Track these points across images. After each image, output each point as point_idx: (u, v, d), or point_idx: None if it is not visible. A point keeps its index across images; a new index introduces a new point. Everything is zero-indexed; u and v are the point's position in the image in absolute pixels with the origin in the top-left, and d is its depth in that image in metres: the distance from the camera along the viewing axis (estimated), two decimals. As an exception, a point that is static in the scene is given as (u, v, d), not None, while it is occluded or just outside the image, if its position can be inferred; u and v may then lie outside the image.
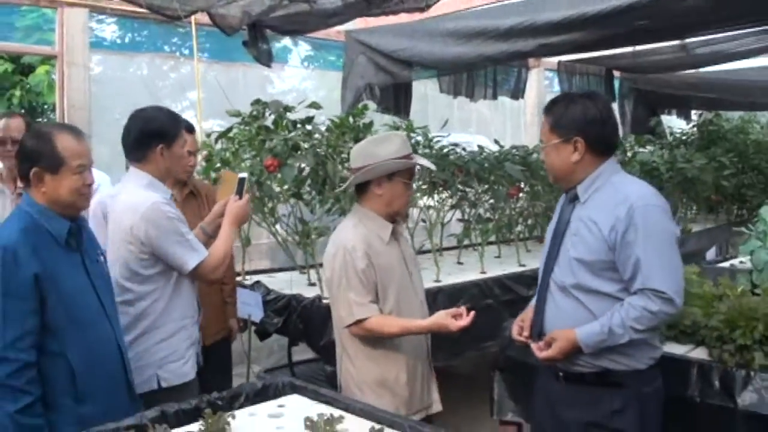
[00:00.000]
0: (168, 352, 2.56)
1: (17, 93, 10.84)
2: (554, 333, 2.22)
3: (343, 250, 2.47)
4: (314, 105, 4.22)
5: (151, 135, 2.60)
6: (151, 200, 2.52)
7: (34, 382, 2.04)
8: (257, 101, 3.99)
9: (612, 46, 5.52)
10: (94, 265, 2.28)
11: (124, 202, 2.57)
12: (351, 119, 4.16)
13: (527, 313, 2.43)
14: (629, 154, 5.72)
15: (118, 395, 2.16)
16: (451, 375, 4.93)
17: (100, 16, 5.00)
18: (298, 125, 3.95)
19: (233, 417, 1.85)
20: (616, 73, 7.81)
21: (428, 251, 4.73)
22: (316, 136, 3.94)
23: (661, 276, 2.10)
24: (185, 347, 2.62)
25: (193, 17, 4.61)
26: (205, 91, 5.51)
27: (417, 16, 4.66)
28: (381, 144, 2.56)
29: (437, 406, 2.66)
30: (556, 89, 7.75)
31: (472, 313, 2.35)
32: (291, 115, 3.96)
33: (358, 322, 2.44)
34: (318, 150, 3.79)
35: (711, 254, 6.36)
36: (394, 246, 2.57)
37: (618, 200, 2.17)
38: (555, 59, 7.37)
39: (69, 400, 2.11)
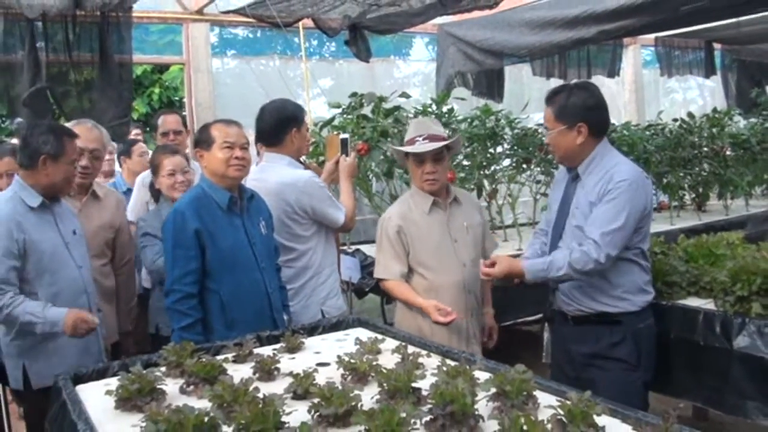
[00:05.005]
0: (328, 290, 3.21)
1: (156, 90, 12.19)
2: (498, 257, 2.69)
3: (382, 219, 3.06)
4: (404, 95, 4.81)
5: (287, 121, 3.16)
6: (305, 176, 3.11)
7: (195, 309, 2.69)
8: (354, 94, 4.62)
9: (670, 27, 5.64)
10: (253, 227, 2.84)
11: (278, 181, 3.08)
12: (434, 106, 4.70)
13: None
14: (716, 129, 5.79)
15: (263, 327, 2.67)
16: (521, 331, 5.35)
17: (220, 27, 5.87)
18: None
19: (305, 338, 2.51)
20: (717, 46, 7.75)
21: (511, 225, 5.16)
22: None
23: (604, 232, 2.50)
24: (338, 285, 3.29)
25: (300, 23, 5.36)
26: (336, 83, 6.16)
27: (499, 8, 5.14)
28: (407, 131, 3.06)
29: None
30: (655, 66, 7.81)
31: (455, 315, 2.79)
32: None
33: (381, 279, 3.01)
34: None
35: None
36: (436, 216, 2.97)
37: (603, 177, 2.60)
38: (652, 36, 7.47)
39: (221, 326, 2.72)
